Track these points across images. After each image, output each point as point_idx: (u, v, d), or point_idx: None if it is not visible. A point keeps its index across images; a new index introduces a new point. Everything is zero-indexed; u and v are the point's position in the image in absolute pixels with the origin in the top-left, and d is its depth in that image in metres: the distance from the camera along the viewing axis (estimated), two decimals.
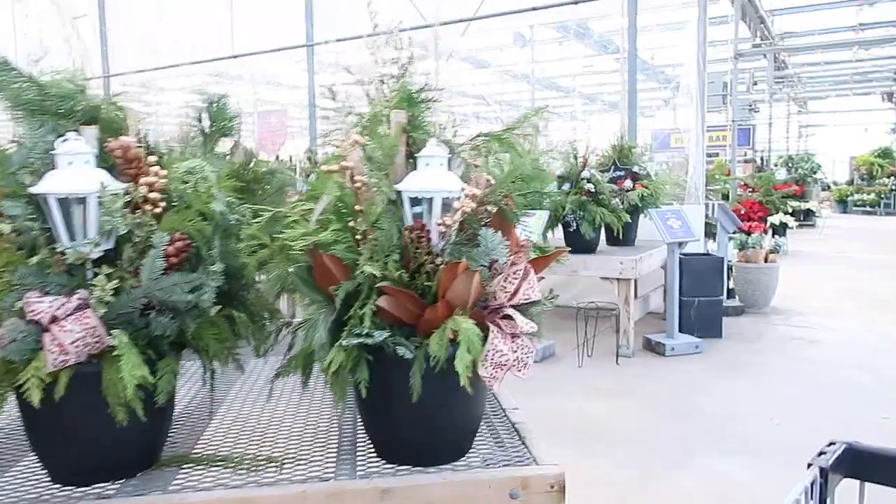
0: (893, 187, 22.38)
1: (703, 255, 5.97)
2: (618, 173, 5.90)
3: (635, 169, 5.88)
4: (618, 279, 5.11)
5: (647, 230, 6.19)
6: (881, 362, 4.91)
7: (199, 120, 1.49)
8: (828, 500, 1.01)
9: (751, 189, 14.16)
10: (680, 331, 5.68)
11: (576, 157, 5.34)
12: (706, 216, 6.69)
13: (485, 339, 1.16)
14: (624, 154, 5.95)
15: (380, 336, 1.16)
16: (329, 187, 1.23)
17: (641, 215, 5.62)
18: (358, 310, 1.17)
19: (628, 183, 5.80)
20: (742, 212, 12.15)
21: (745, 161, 18.26)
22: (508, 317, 1.20)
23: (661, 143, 21.15)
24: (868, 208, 22.34)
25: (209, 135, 1.51)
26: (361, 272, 1.17)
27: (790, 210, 15.66)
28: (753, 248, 6.72)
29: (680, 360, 5.05)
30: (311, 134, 8.50)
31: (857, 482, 1.08)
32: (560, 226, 5.40)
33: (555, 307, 1.39)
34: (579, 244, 5.31)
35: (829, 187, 26.21)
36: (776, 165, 20.94)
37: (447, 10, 7.90)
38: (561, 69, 15.31)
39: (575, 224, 5.24)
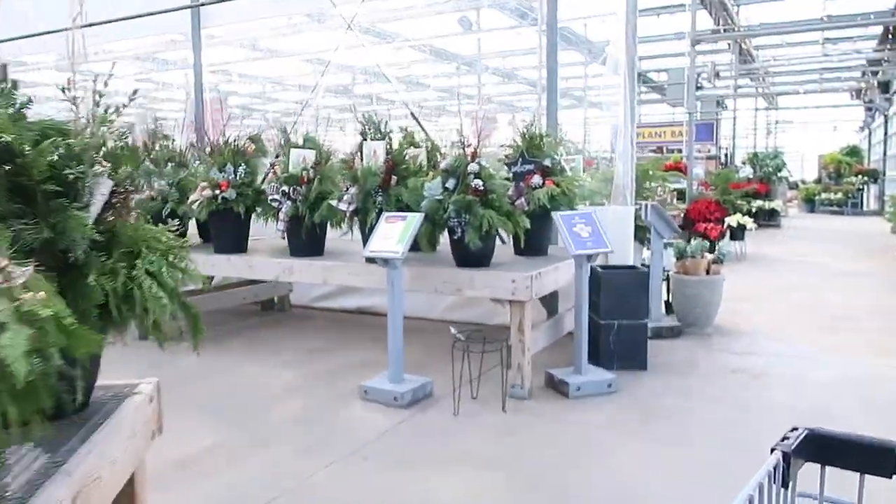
0: (860, 186, 21.70)
1: (627, 268, 4.93)
2: (526, 167, 4.84)
3: (546, 162, 4.82)
4: (510, 301, 4.04)
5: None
6: (837, 409, 3.90)
7: None
8: (790, 483, 1.07)
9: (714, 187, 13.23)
10: (595, 361, 4.63)
11: (464, 147, 4.25)
12: (638, 219, 5.66)
13: None
14: (534, 144, 4.88)
15: None
16: None
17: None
18: None
19: (536, 179, 4.74)
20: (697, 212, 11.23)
21: (708, 158, 17.39)
22: None
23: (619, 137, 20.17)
24: (835, 208, 21.64)
25: None
26: None
27: (753, 209, 14.82)
28: (693, 257, 5.70)
29: (585, 404, 3.99)
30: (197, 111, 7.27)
31: (819, 466, 1.14)
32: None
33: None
34: (467, 256, 4.23)
35: (796, 186, 25.54)
36: (743, 163, 20.16)
37: None
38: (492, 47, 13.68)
39: (460, 230, 4.15)
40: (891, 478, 1.10)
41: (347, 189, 4.54)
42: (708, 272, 5.73)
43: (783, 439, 1.11)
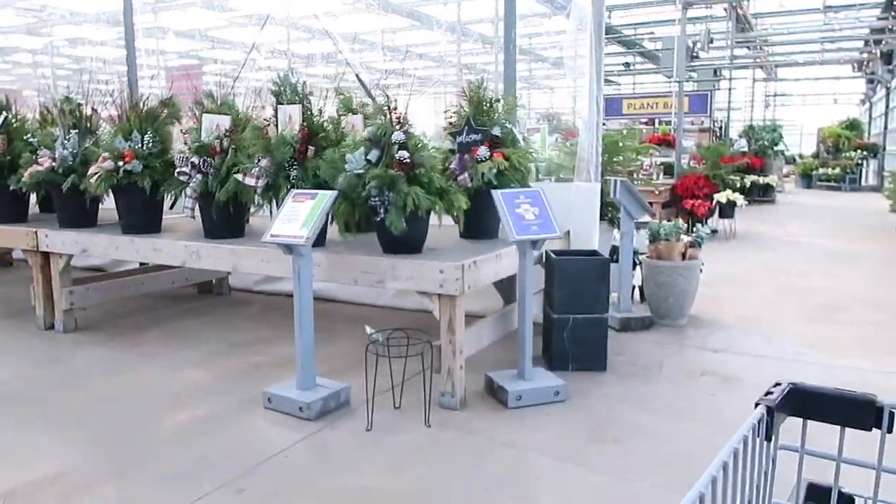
0: (859, 161, 20.99)
1: (587, 254, 4.30)
2: (472, 137, 4.19)
3: (495, 131, 4.16)
4: (438, 295, 3.41)
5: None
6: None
7: None
8: (773, 437, 1.10)
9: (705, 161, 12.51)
10: (549, 362, 4.05)
11: (389, 112, 3.58)
12: (605, 196, 5.02)
13: None
14: (481, 110, 4.23)
15: None
16: None
17: None
18: None
19: (483, 151, 4.09)
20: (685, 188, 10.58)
21: (701, 130, 16.65)
22: None
23: (613, 109, 19.50)
24: (833, 183, 20.94)
25: None
26: None
27: (747, 184, 14.13)
28: (667, 240, 5.07)
29: (526, 417, 3.39)
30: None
31: (801, 420, 1.17)
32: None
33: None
34: (393, 241, 3.60)
35: (794, 160, 24.78)
36: (740, 136, 19.42)
37: None
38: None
39: (383, 211, 3.51)
40: (870, 430, 1.11)
41: (258, 161, 3.89)
42: (684, 257, 5.11)
43: (767, 394, 1.13)
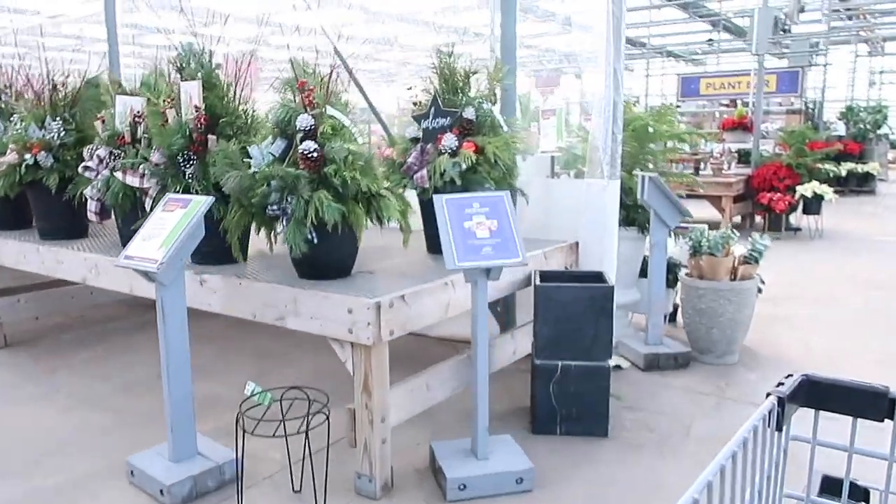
0: None
1: (587, 277, 3.22)
2: (439, 122, 3.20)
3: (467, 114, 3.15)
4: (351, 343, 2.46)
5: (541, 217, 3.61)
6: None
7: None
8: (784, 427, 1.10)
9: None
10: (534, 421, 3.06)
11: (297, 92, 2.63)
12: (627, 196, 3.92)
13: None
14: (451, 88, 3.22)
15: None
16: None
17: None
18: None
19: (450, 140, 3.09)
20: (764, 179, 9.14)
21: (790, 112, 14.79)
22: None
23: (690, 90, 17.70)
24: None
25: None
26: None
27: (842, 173, 12.34)
28: (712, 254, 3.90)
29: None
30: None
31: (812, 411, 1.16)
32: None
33: None
34: (308, 261, 2.67)
35: None
36: (838, 118, 17.31)
37: None
38: None
39: (285, 222, 2.58)
40: (882, 421, 1.11)
41: (149, 155, 3.03)
42: (734, 276, 3.93)
43: (779, 385, 1.12)
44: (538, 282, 3.03)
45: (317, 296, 2.50)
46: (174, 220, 2.48)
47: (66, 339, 4.59)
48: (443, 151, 3.10)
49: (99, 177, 3.41)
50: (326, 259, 2.66)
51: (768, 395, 1.09)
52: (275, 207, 2.57)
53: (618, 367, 3.87)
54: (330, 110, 2.64)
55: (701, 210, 9.17)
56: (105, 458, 2.85)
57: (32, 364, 4.11)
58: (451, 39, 4.26)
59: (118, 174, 3.04)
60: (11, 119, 4.12)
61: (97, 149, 3.44)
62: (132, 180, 2.98)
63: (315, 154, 2.52)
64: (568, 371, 2.97)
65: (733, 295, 3.84)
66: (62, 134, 3.73)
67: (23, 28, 10.30)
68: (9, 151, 3.78)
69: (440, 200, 2.55)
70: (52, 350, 4.37)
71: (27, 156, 3.72)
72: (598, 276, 3.19)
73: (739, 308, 3.86)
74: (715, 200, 8.97)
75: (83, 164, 3.49)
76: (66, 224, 3.89)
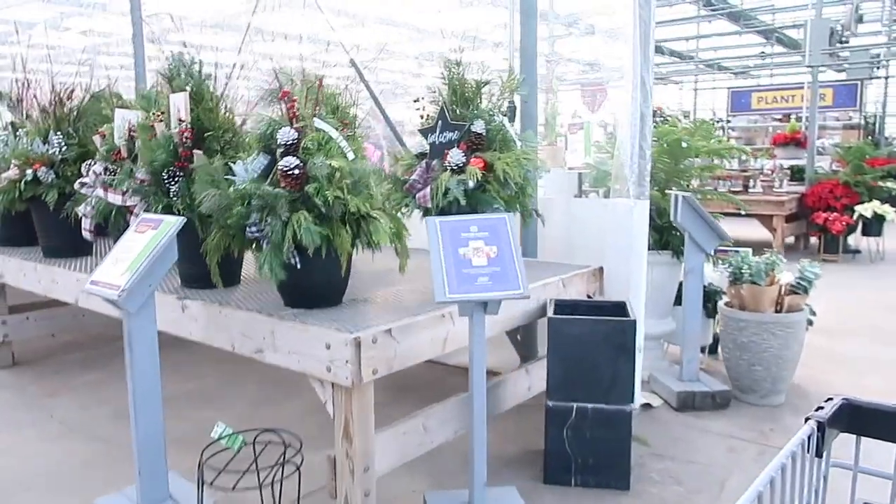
0: None
1: (608, 309, 2.89)
2: (447, 136, 2.94)
3: (477, 128, 2.88)
4: (332, 384, 2.19)
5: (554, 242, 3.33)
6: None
7: None
8: (824, 453, 1.05)
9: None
10: (547, 469, 2.74)
11: (287, 102, 2.40)
12: (661, 217, 3.57)
13: None
14: (461, 98, 2.96)
15: None
16: None
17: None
18: None
19: (456, 155, 2.83)
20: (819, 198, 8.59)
21: (847, 127, 14.04)
22: None
23: (741, 104, 17.08)
24: None
25: None
26: None
27: None
28: (755, 282, 3.52)
29: None
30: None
31: (854, 436, 1.13)
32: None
33: None
34: (286, 288, 2.43)
35: None
36: None
37: None
38: None
39: (266, 245, 2.34)
40: None
41: (133, 172, 2.85)
42: (780, 307, 3.54)
43: (818, 409, 1.08)
44: (552, 313, 2.72)
45: (295, 328, 2.25)
46: (143, 243, 2.27)
47: (73, 359, 4.47)
48: (446, 167, 2.83)
49: (94, 193, 3.26)
50: (310, 286, 2.41)
51: (807, 419, 1.06)
52: (254, 229, 2.34)
53: (647, 405, 3.52)
54: (318, 123, 2.40)
55: (752, 230, 8.66)
56: (73, 498, 2.65)
57: (34, 386, 3.99)
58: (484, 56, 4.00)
59: (99, 192, 2.87)
60: (17, 134, 4.04)
61: (94, 164, 3.29)
62: (114, 198, 2.81)
63: (297, 171, 2.28)
64: (584, 414, 2.65)
65: (779, 328, 3.44)
66: (63, 148, 3.61)
67: (76, 47, 10.41)
68: (11, 167, 3.68)
69: (433, 223, 2.28)
70: (57, 370, 4.25)
71: (28, 171, 3.61)
72: (622, 307, 2.86)
73: (786, 343, 3.46)
74: (766, 220, 8.45)
75: (79, 180, 3.35)
76: (67, 241, 3.75)
